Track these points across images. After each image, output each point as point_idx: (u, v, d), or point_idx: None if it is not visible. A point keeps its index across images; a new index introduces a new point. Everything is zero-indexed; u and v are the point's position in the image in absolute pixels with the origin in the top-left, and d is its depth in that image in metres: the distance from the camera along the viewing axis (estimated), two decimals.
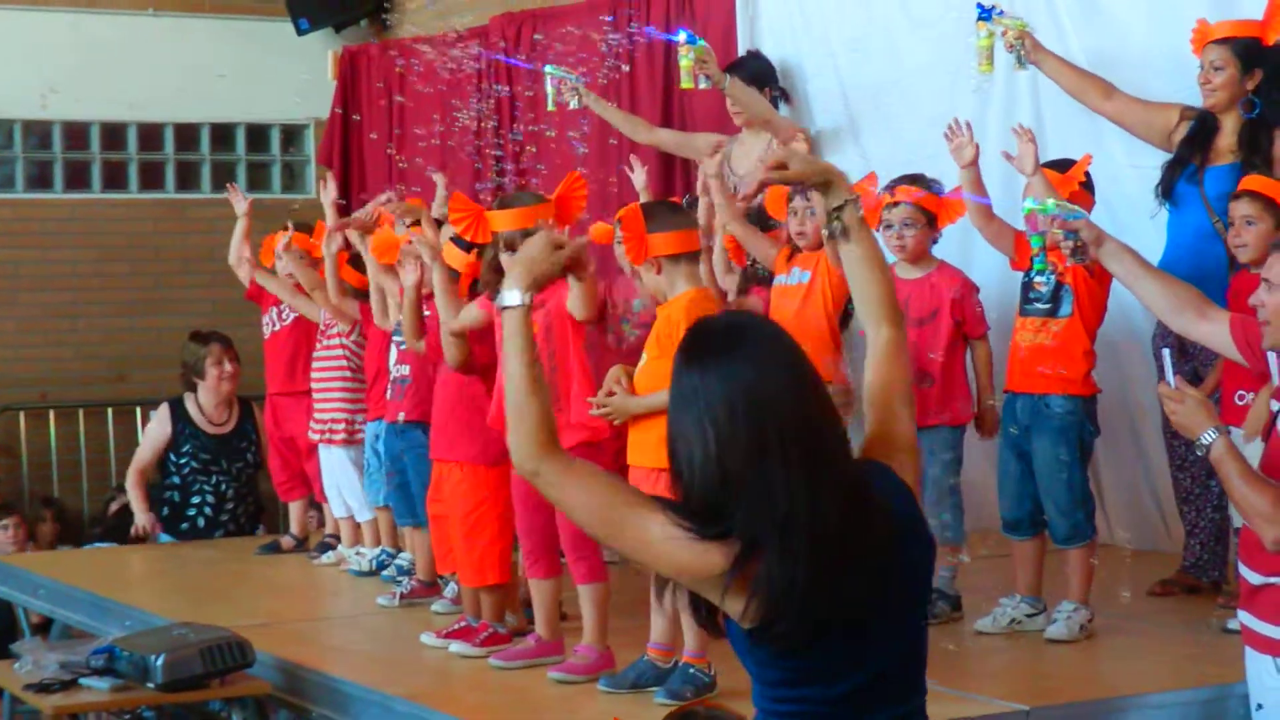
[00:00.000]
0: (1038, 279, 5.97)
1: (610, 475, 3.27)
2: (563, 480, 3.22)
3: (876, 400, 3.37)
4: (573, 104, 8.53)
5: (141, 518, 9.05)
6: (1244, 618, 4.59)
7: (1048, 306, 6.01)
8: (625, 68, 9.99)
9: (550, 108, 8.64)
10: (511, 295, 3.38)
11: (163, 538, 9.11)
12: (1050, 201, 5.27)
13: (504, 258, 5.59)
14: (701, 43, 7.98)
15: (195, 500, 9.09)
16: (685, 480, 3.12)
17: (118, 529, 9.82)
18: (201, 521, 9.10)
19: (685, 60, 7.87)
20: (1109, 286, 6.00)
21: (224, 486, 9.12)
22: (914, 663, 3.25)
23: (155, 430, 9.23)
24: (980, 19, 7.09)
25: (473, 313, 6.03)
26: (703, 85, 8.22)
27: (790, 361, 3.15)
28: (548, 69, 8.59)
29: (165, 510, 9.14)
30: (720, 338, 3.18)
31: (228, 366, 9.08)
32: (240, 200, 8.91)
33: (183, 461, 9.08)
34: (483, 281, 5.98)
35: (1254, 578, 4.57)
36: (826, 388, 3.20)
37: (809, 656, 3.11)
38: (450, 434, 6.18)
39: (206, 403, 9.11)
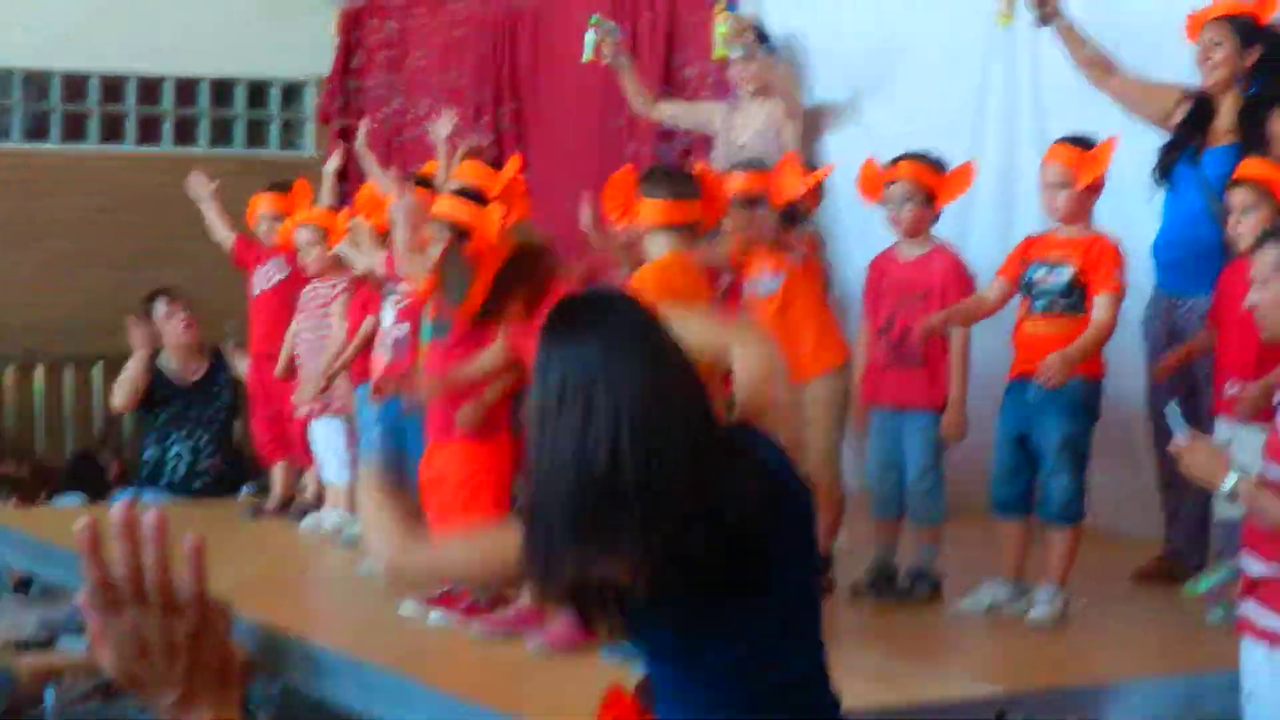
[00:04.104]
0: None
1: (467, 529, 3.33)
2: (431, 560, 3.32)
3: (744, 385, 3.38)
4: (608, 59, 8.48)
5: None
6: (1245, 607, 4.60)
7: (1068, 301, 5.97)
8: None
9: (586, 58, 8.55)
10: None
11: (145, 495, 9.08)
12: None
13: None
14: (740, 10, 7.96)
15: (173, 452, 9.10)
16: (529, 455, 3.16)
17: (79, 478, 9.80)
18: (182, 469, 9.10)
19: (721, 27, 7.91)
20: None
21: (200, 435, 9.12)
22: (810, 616, 3.28)
23: (133, 370, 9.17)
24: None
25: (491, 357, 5.97)
26: (735, 55, 8.37)
27: (641, 338, 3.14)
28: (593, 19, 8.52)
29: (145, 469, 9.13)
30: (576, 314, 3.20)
31: (180, 315, 9.10)
32: (204, 185, 8.88)
33: (158, 415, 9.09)
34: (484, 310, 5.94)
35: (1258, 568, 4.58)
36: (688, 360, 3.18)
37: (705, 618, 3.12)
38: (447, 417, 6.15)
39: (175, 358, 9.12)
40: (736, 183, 6.51)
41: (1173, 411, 4.51)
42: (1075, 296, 5.97)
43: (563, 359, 3.10)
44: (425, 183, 7.26)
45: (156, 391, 9.09)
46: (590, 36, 8.46)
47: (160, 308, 9.10)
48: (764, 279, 6.46)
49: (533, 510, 3.13)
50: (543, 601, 3.29)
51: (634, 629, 3.18)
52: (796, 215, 6.48)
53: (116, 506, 1.78)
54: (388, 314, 7.04)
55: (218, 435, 9.22)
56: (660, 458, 3.04)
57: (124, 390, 9.15)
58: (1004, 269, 6.15)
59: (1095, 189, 6.04)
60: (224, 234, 8.80)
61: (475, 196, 6.33)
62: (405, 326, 6.86)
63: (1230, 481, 4.39)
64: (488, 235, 6.09)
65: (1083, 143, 6.08)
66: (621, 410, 3.04)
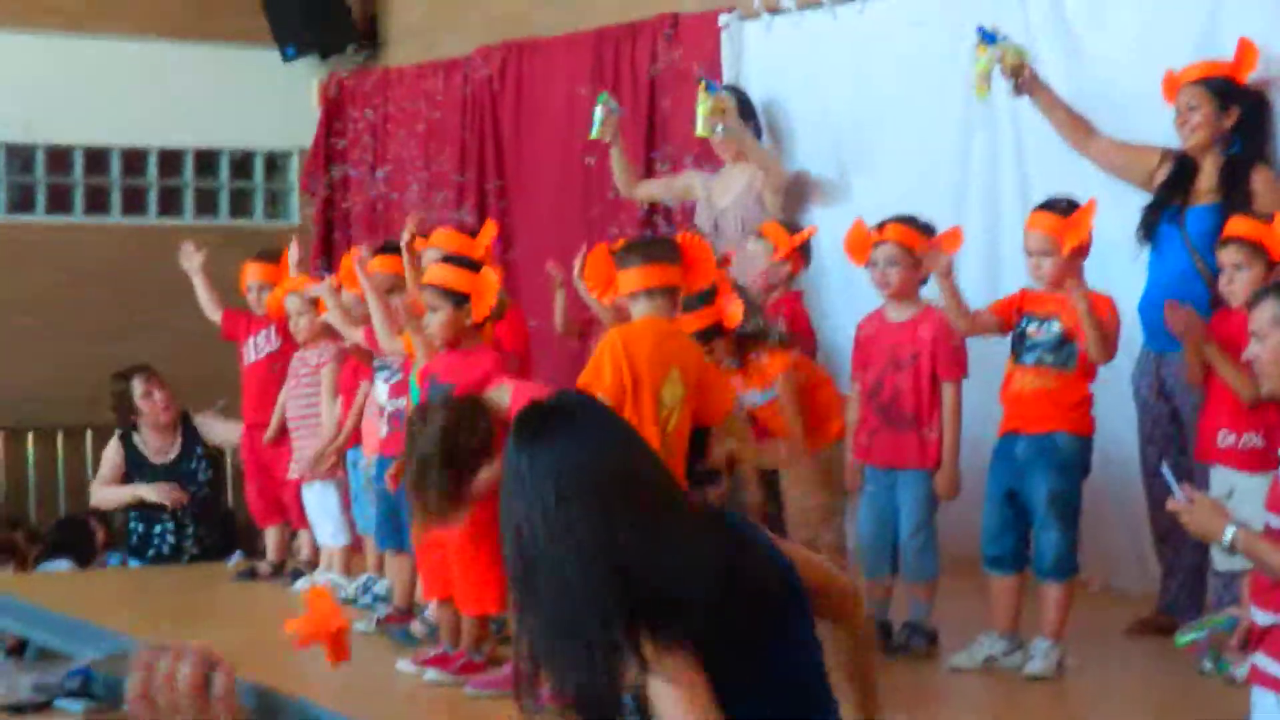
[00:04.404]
0: None
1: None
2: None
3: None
4: (608, 137, 8.54)
5: (155, 494, 8.87)
6: (1254, 657, 4.63)
7: (1057, 356, 6.02)
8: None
9: (594, 135, 8.62)
10: None
11: (132, 562, 9.05)
12: None
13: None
14: (721, 91, 8.01)
15: (158, 530, 8.97)
16: (509, 557, 3.14)
17: (67, 543, 9.76)
18: (166, 550, 8.99)
19: (702, 106, 7.90)
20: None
21: (181, 514, 8.99)
22: (824, 679, 3.28)
23: (112, 456, 9.09)
24: (982, 42, 7.11)
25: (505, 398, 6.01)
26: (718, 134, 8.35)
27: (614, 440, 3.19)
28: (602, 97, 8.60)
29: (132, 539, 9.06)
30: (546, 420, 3.19)
31: (158, 395, 8.97)
32: (193, 256, 8.86)
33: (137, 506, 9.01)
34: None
35: (1264, 618, 4.62)
36: (654, 458, 3.26)
37: (734, 692, 3.09)
38: None
39: (150, 436, 9.01)
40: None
41: (1167, 471, 4.56)
42: (1065, 352, 6.02)
43: (542, 466, 3.10)
44: (395, 248, 7.31)
45: (134, 473, 8.97)
46: (599, 114, 8.51)
47: (138, 387, 8.98)
48: (752, 394, 6.50)
49: (548, 622, 3.08)
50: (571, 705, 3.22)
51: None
52: (757, 333, 6.53)
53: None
54: (380, 389, 7.04)
55: (201, 512, 9.11)
56: (663, 542, 3.07)
57: (105, 501, 9.13)
58: (998, 309, 6.19)
59: (1081, 252, 6.09)
60: (211, 310, 8.78)
61: (468, 263, 6.36)
62: (400, 401, 6.85)
63: (1229, 534, 4.45)
64: (487, 299, 6.11)
65: (1063, 208, 6.12)
66: (614, 504, 3.06)
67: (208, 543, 9.13)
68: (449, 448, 5.77)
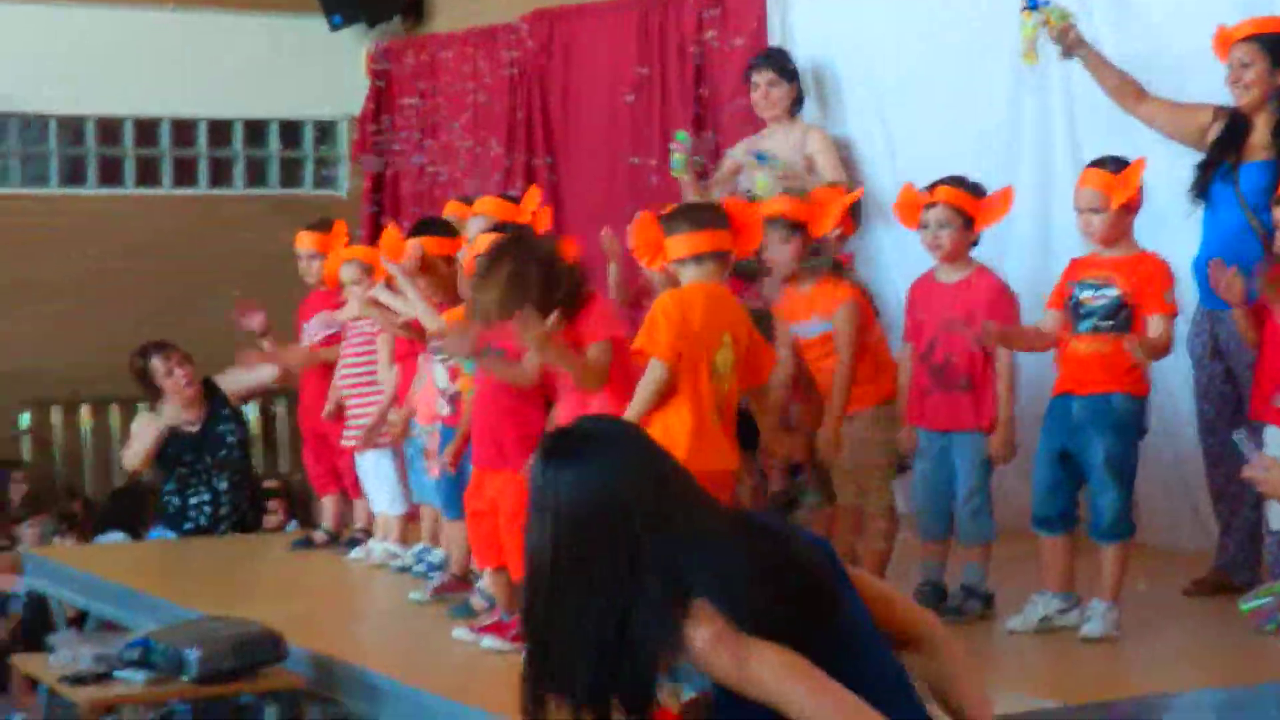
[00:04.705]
0: None
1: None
2: None
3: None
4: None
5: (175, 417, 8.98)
6: None
7: (1113, 322, 5.98)
8: (644, 69, 10.02)
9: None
10: None
11: (168, 534, 9.09)
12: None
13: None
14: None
15: (193, 501, 9.03)
16: (528, 578, 3.21)
17: (121, 515, 9.81)
18: (203, 520, 9.05)
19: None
20: None
21: (216, 480, 9.06)
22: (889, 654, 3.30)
23: (143, 432, 9.14)
24: (1027, 8, 7.08)
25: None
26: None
27: (639, 462, 3.22)
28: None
29: (169, 510, 9.10)
30: (573, 443, 3.26)
31: (178, 372, 8.99)
32: (254, 317, 8.86)
33: (173, 469, 9.05)
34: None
35: None
36: (684, 472, 3.29)
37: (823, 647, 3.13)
38: (497, 445, 6.14)
39: (177, 410, 9.03)
40: (775, 206, 6.57)
41: (1240, 439, 4.57)
42: (1121, 317, 5.97)
43: (569, 480, 3.17)
44: (438, 227, 7.31)
45: (168, 447, 9.02)
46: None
47: (158, 365, 9.00)
48: (811, 323, 6.49)
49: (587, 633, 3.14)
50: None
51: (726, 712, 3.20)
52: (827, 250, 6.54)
53: None
54: (439, 371, 7.03)
55: (235, 476, 9.16)
56: (708, 543, 3.13)
57: (136, 456, 9.12)
58: (1053, 301, 6.14)
59: (1131, 209, 6.05)
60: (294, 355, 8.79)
61: (434, 226, 6.38)
62: (458, 384, 6.83)
63: None
64: None
65: (1114, 165, 6.08)
66: (650, 515, 3.13)
67: (243, 511, 9.20)
68: (522, 267, 5.74)
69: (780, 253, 6.51)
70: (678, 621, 3.09)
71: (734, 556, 3.13)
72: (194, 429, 9.04)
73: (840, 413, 6.38)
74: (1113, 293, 5.97)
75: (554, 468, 3.21)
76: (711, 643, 3.07)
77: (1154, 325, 5.94)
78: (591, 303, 5.83)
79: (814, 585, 3.13)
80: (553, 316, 5.71)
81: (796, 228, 6.50)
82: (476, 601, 6.59)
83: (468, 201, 7.89)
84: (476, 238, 6.50)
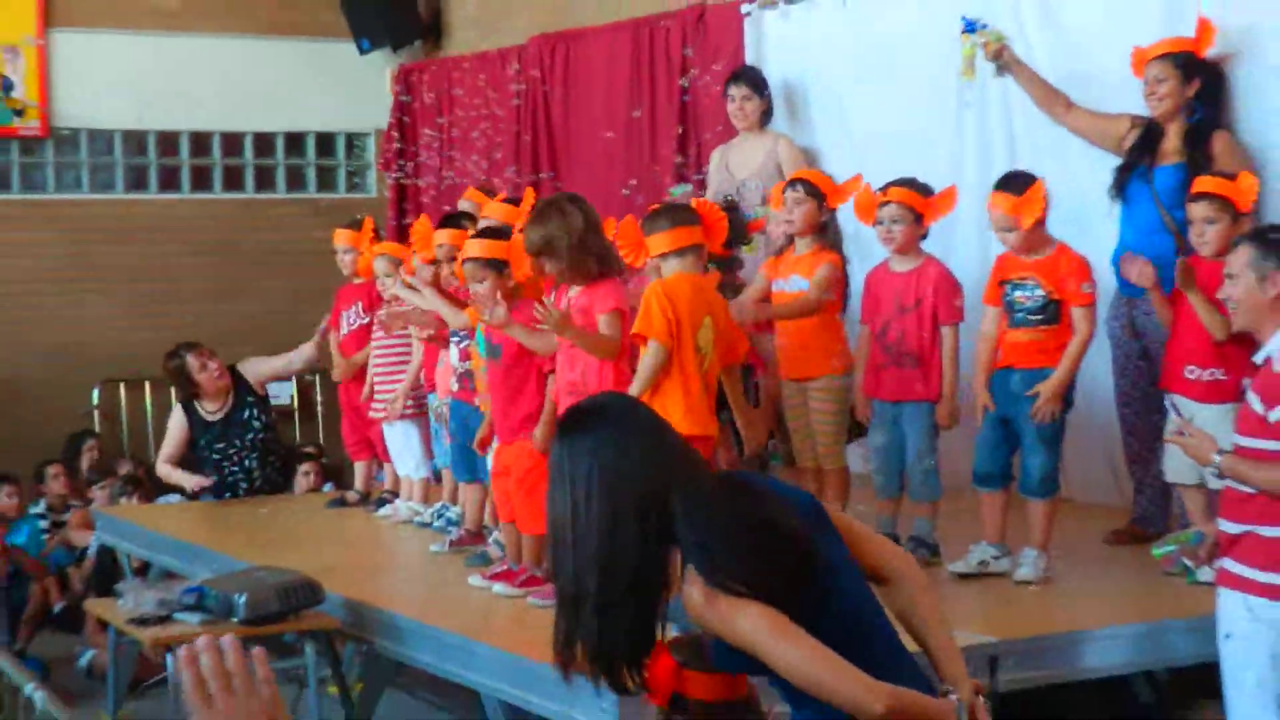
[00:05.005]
0: None
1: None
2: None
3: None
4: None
5: (189, 482, 8.89)
6: (1223, 562, 4.75)
7: (1042, 317, 6.01)
8: (636, 111, 9.99)
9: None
10: None
11: (207, 499, 9.07)
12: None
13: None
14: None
15: (229, 478, 8.98)
16: (552, 542, 3.22)
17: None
18: (241, 490, 9.01)
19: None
20: None
21: (248, 460, 9.01)
22: (861, 576, 3.32)
23: (175, 429, 9.08)
24: (965, 31, 7.12)
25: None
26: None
27: (644, 434, 3.22)
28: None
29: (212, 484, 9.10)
30: (587, 418, 3.26)
31: (211, 366, 8.94)
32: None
33: (206, 454, 9.00)
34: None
35: (1232, 528, 4.74)
36: (682, 443, 3.30)
37: (806, 600, 3.15)
38: (507, 420, 6.18)
39: (209, 402, 8.98)
40: (805, 173, 6.71)
41: (1172, 405, 4.69)
42: (1049, 312, 6.01)
43: (584, 452, 3.17)
44: (462, 221, 7.31)
45: (198, 433, 8.97)
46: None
47: (193, 362, 8.94)
48: (790, 281, 6.54)
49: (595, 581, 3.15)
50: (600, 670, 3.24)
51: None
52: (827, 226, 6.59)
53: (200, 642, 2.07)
54: (453, 352, 7.04)
55: (263, 453, 9.09)
56: (698, 507, 3.13)
57: (165, 464, 9.11)
58: (988, 297, 6.16)
59: (1040, 223, 6.01)
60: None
61: (499, 233, 6.35)
62: (469, 363, 6.86)
63: (1216, 459, 4.69)
64: (523, 262, 6.08)
65: (1017, 186, 6.01)
66: (648, 477, 3.14)
67: (270, 476, 9.17)
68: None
69: (795, 213, 6.53)
70: (676, 580, 3.12)
71: (719, 521, 3.12)
72: (221, 416, 8.99)
73: (785, 313, 6.47)
74: (1039, 292, 6.01)
75: (571, 440, 3.21)
76: (702, 603, 3.10)
77: (1076, 318, 5.98)
78: (603, 277, 5.82)
79: (789, 545, 3.13)
80: (575, 290, 5.74)
81: (814, 194, 6.53)
82: (493, 551, 6.63)
83: (489, 193, 7.97)
84: (466, 243, 6.44)
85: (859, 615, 3.22)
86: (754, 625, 3.07)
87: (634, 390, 5.41)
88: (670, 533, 3.13)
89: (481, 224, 6.87)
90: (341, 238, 8.62)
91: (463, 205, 8.12)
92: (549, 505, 3.24)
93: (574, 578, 3.16)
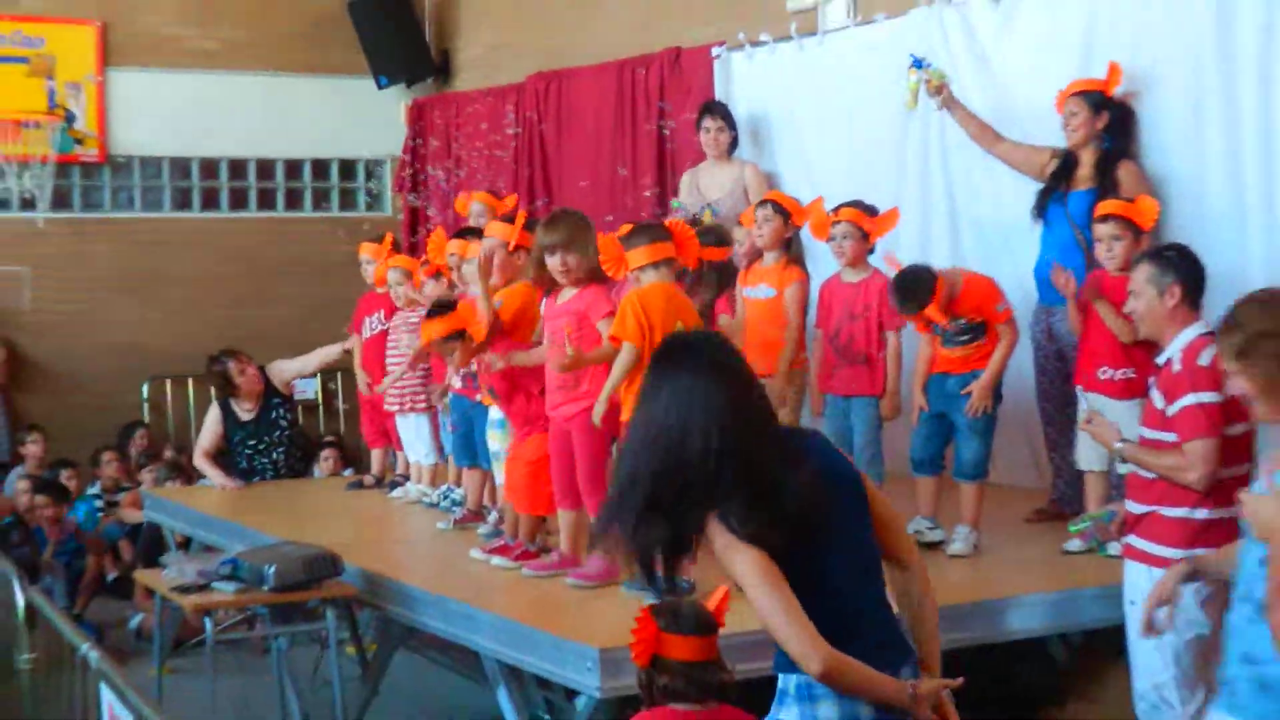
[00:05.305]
0: None
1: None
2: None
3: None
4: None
5: (219, 480, 8.79)
6: (1129, 539, 4.79)
7: (967, 337, 6.07)
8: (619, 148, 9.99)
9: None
10: None
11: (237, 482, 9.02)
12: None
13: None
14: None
15: (259, 469, 8.92)
16: (630, 453, 3.25)
17: (214, 465, 9.76)
18: (268, 477, 8.92)
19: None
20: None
21: (275, 454, 8.94)
22: (873, 560, 3.36)
23: (213, 423, 8.99)
24: (912, 66, 7.15)
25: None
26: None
27: (728, 375, 3.25)
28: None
29: (241, 465, 8.96)
30: (679, 352, 3.29)
31: (249, 370, 8.86)
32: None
33: (240, 449, 8.93)
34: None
35: (1137, 508, 4.81)
36: (760, 386, 3.34)
37: (801, 560, 3.20)
38: (516, 419, 6.22)
39: (245, 403, 8.91)
40: (773, 194, 6.77)
41: (1084, 397, 4.76)
42: (975, 331, 6.06)
43: (670, 387, 3.21)
44: (473, 234, 7.29)
45: (233, 434, 8.91)
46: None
47: (234, 367, 8.85)
48: (759, 289, 6.55)
49: (643, 489, 3.19)
50: (620, 553, 3.30)
51: None
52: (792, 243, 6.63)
53: None
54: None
55: (288, 447, 9.03)
56: (741, 452, 3.17)
57: (200, 455, 9.04)
58: (919, 328, 6.21)
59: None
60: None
61: (447, 306, 6.49)
62: (472, 365, 6.79)
63: (1118, 444, 4.78)
64: (476, 324, 6.24)
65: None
66: (713, 418, 3.17)
67: (294, 465, 9.14)
68: None
69: (764, 229, 6.56)
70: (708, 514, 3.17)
71: (750, 476, 3.16)
72: (252, 416, 8.93)
73: (793, 354, 6.47)
74: (962, 322, 6.05)
75: (663, 368, 3.26)
76: (722, 545, 3.18)
77: (1001, 334, 6.05)
78: (593, 284, 5.82)
79: (797, 505, 3.16)
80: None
81: (781, 213, 6.56)
82: (485, 529, 6.67)
83: (497, 195, 7.99)
84: (425, 328, 6.57)
85: (841, 591, 3.24)
86: (745, 568, 3.15)
87: (608, 387, 5.42)
88: (717, 471, 3.15)
89: (431, 302, 6.88)
90: (366, 250, 8.61)
91: (474, 209, 8.09)
92: (633, 415, 3.29)
93: (628, 477, 3.22)
